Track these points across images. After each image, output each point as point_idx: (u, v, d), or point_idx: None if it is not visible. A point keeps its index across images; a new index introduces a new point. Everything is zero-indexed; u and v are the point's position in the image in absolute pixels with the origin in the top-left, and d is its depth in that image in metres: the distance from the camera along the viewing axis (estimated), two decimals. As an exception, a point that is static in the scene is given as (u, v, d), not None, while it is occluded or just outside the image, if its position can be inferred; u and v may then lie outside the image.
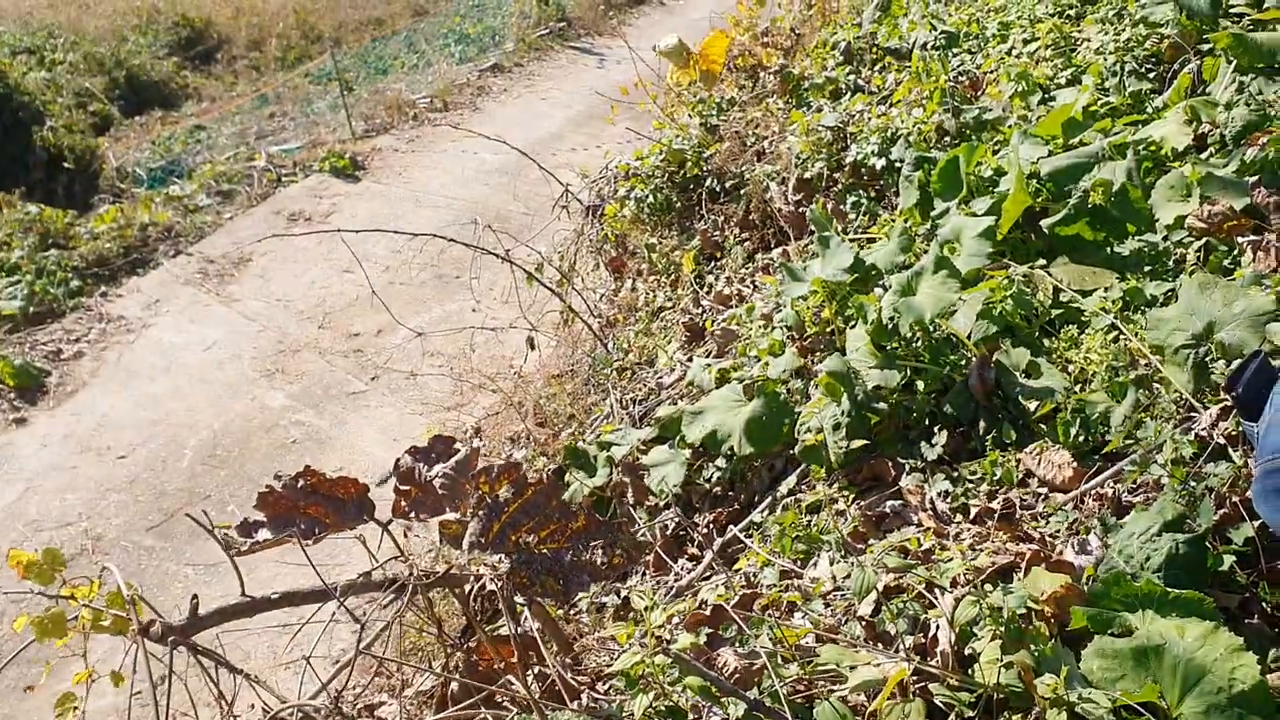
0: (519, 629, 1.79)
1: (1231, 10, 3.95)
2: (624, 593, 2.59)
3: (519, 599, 1.85)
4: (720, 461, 3.00)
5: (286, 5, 15.65)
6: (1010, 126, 3.53)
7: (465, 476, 1.86)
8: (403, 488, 1.94)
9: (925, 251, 3.14)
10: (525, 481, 1.84)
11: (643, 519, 2.97)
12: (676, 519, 2.92)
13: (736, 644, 1.79)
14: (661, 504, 3.03)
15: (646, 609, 1.71)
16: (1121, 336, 2.58)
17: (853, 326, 2.88)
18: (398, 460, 2.05)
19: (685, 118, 4.68)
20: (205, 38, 15.07)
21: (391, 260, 8.42)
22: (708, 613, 1.92)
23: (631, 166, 4.70)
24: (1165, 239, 2.89)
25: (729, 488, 3.00)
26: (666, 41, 4.99)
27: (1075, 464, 2.39)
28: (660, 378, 3.59)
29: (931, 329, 2.75)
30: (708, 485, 3.00)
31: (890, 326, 2.70)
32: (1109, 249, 2.96)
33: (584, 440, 3.36)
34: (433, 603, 2.00)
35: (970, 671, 1.70)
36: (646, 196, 4.49)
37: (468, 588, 1.90)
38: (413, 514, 1.89)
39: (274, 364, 7.43)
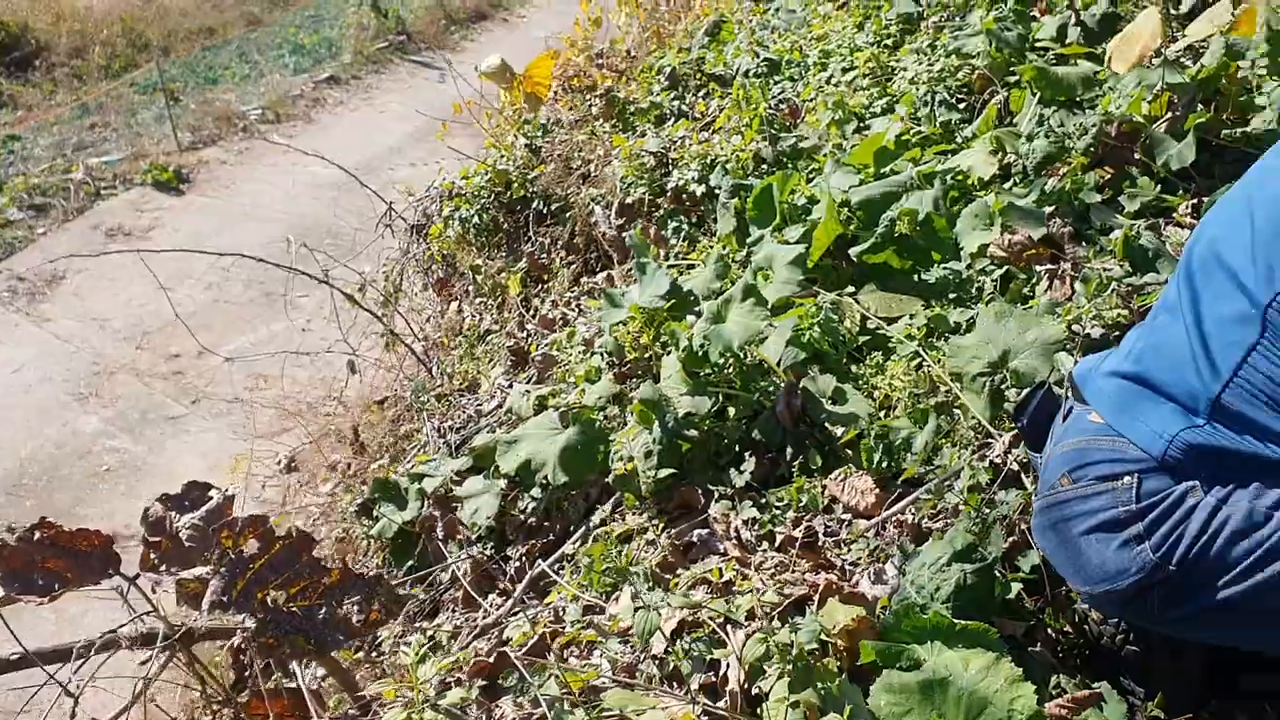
0: (291, 682, 1.69)
1: (1038, 44, 4.13)
2: (429, 631, 2.49)
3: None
4: (536, 491, 2.93)
5: (113, 12, 14.90)
6: (825, 155, 3.59)
7: (214, 528, 1.73)
8: (152, 539, 1.80)
9: (742, 277, 3.15)
10: (273, 535, 1.74)
11: (453, 553, 2.88)
12: (487, 553, 2.84)
13: (516, 693, 1.73)
14: (474, 537, 2.94)
15: (413, 663, 1.63)
16: (925, 363, 2.63)
17: (667, 354, 2.86)
18: (146, 509, 1.90)
19: (510, 138, 4.62)
20: (21, 44, 14.20)
21: (216, 277, 8.07)
22: (491, 660, 1.85)
23: (456, 186, 4.61)
24: (969, 267, 2.97)
25: (545, 518, 2.94)
26: (489, 62, 4.92)
27: (878, 490, 2.41)
28: (480, 404, 3.51)
29: (742, 356, 2.75)
30: (523, 516, 2.93)
31: (701, 354, 2.69)
32: (916, 276, 3.02)
33: (397, 471, 3.25)
34: (195, 658, 1.87)
35: (759, 712, 1.67)
36: (472, 217, 4.40)
37: (237, 640, 1.79)
38: (162, 568, 1.76)
39: (88, 387, 7.03)
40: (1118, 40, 3.43)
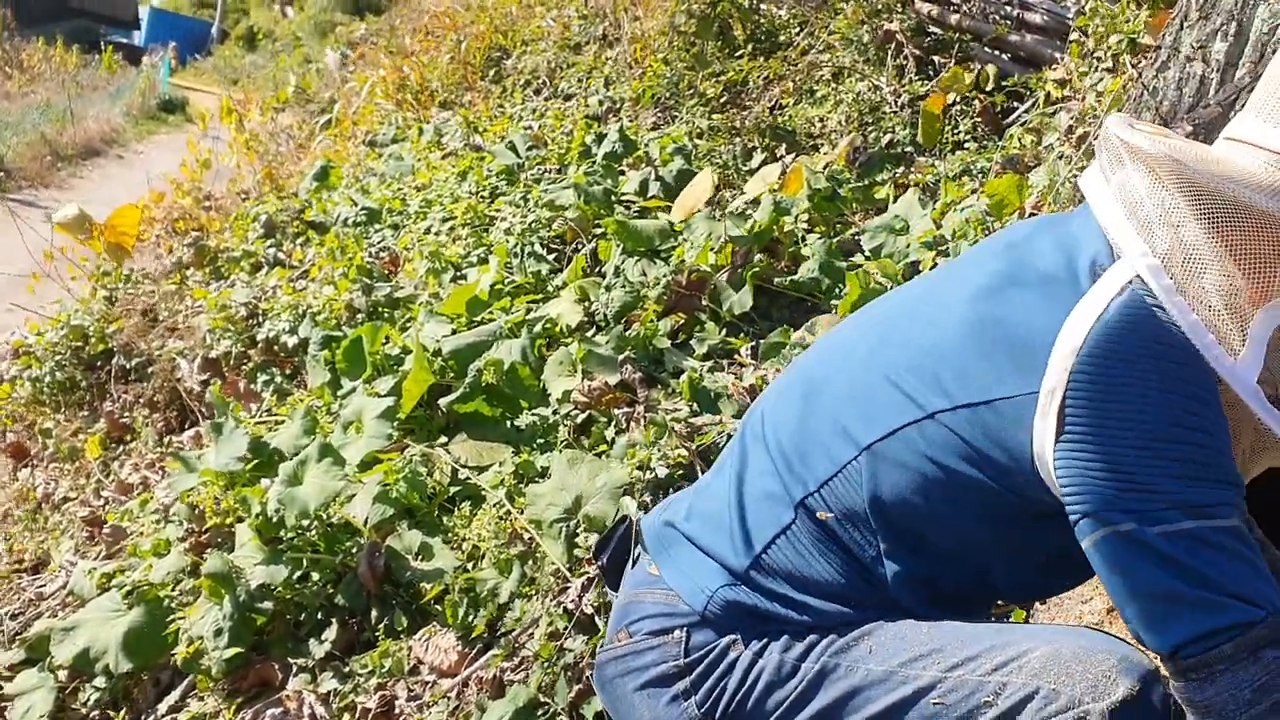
0: None
1: (623, 198, 4.41)
2: None
3: None
4: (100, 681, 2.65)
5: None
6: (420, 304, 3.61)
7: None
8: None
9: (332, 432, 3.07)
10: None
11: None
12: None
13: None
14: (26, 740, 2.60)
15: None
16: (510, 512, 2.65)
17: (241, 520, 2.71)
18: None
19: (88, 290, 4.31)
20: None
21: None
22: None
23: (26, 342, 4.22)
24: (555, 413, 3.06)
25: (111, 709, 2.66)
26: (64, 212, 4.61)
27: (460, 647, 2.38)
28: (43, 586, 3.16)
29: (325, 517, 2.66)
30: (84, 710, 2.63)
31: (277, 519, 2.57)
32: (507, 423, 3.07)
33: (-65, 672, 2.84)
34: None
35: None
36: (45, 375, 4.04)
37: None
38: None
39: None
40: (681, 195, 3.73)
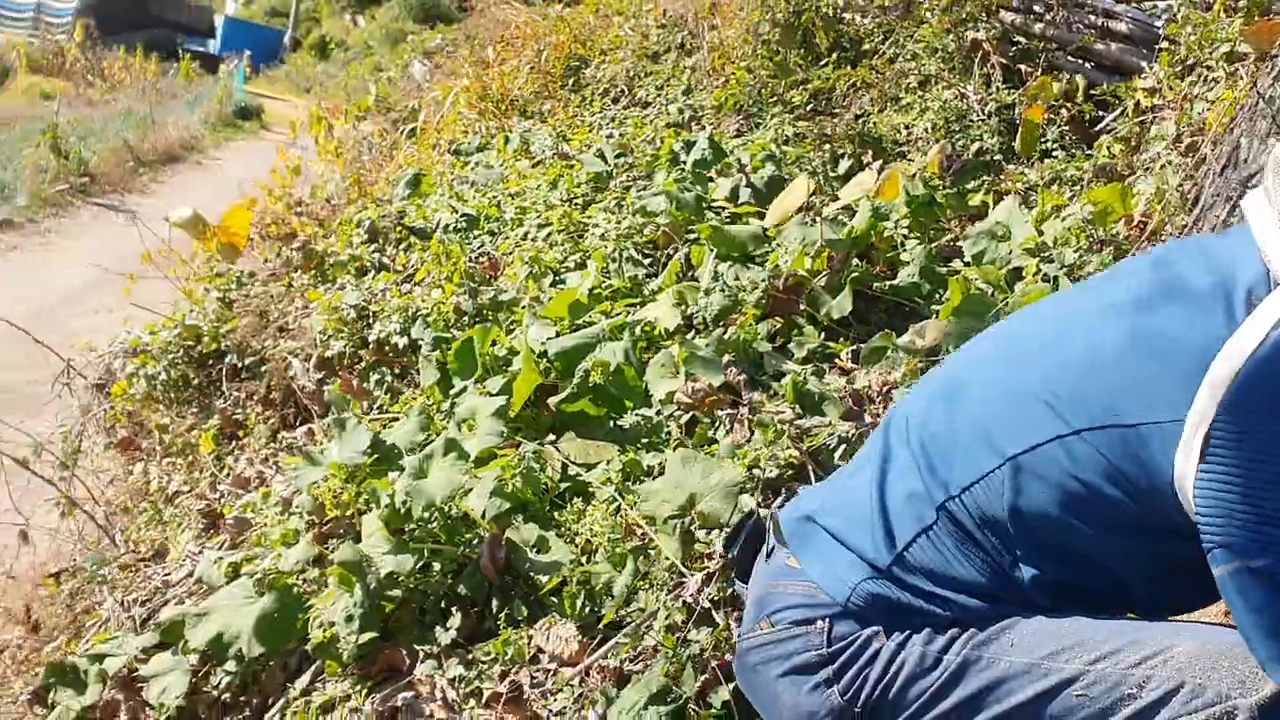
0: None
1: (714, 204, 4.49)
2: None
3: None
4: (231, 665, 2.77)
5: None
6: (523, 308, 3.72)
7: None
8: None
9: (446, 429, 3.18)
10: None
11: (137, 739, 2.67)
12: (176, 736, 2.65)
13: None
14: (163, 719, 2.74)
15: None
16: (621, 508, 2.74)
17: (369, 512, 2.83)
18: None
19: (201, 291, 4.49)
20: None
21: None
22: None
23: (142, 341, 4.41)
24: (659, 413, 3.14)
25: (241, 693, 2.78)
26: (180, 213, 4.80)
27: (580, 637, 2.46)
28: (169, 574, 3.30)
29: (446, 510, 2.76)
30: (216, 693, 2.76)
31: (404, 511, 2.68)
32: (612, 423, 3.16)
33: (75, 652, 2.98)
34: None
35: None
36: (159, 374, 4.21)
37: None
38: None
39: None
40: (776, 201, 3.80)
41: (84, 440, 4.57)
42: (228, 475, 3.79)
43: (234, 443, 4.00)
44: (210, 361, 4.26)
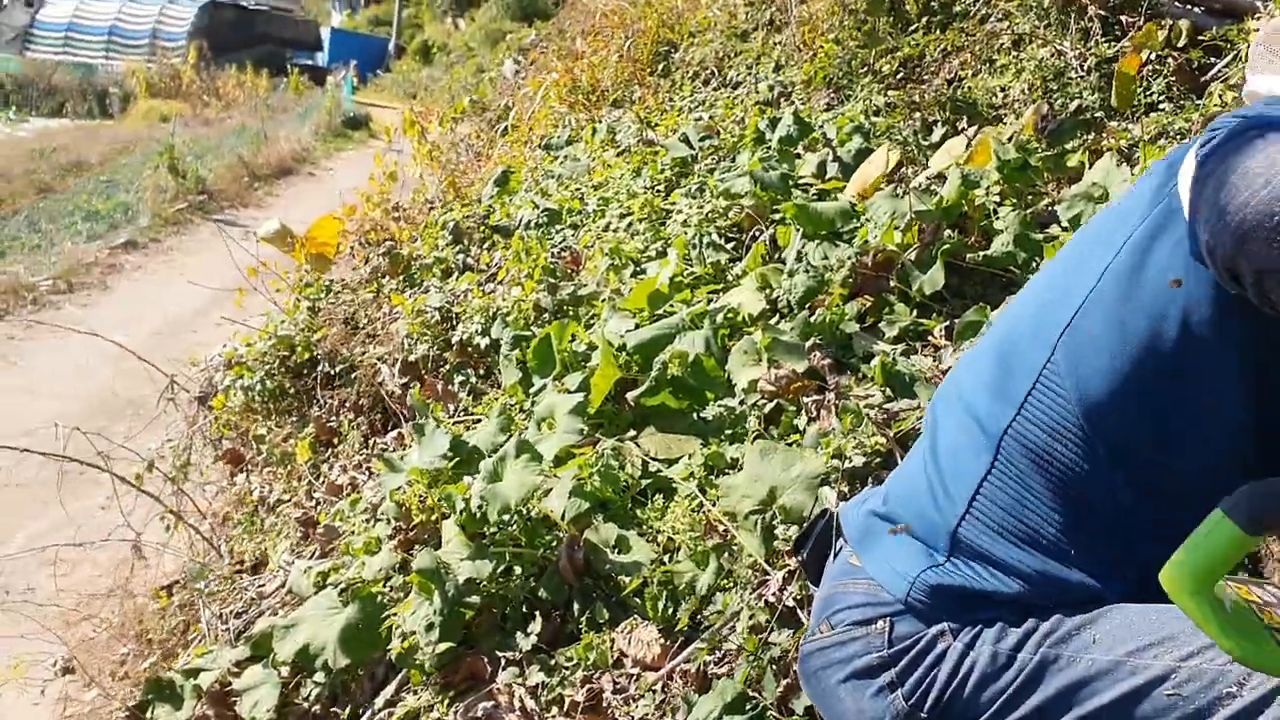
0: None
1: (800, 181, 4.34)
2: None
3: None
4: (320, 677, 2.78)
5: (-113, 190, 14.16)
6: (604, 301, 3.65)
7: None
8: None
9: (525, 428, 3.13)
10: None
11: (230, 752, 2.69)
12: (266, 749, 2.66)
13: None
14: (256, 731, 2.75)
15: None
16: (703, 504, 2.64)
17: (446, 517, 2.80)
18: None
19: (292, 301, 4.55)
20: None
21: (6, 460, 7.55)
22: None
23: (237, 353, 4.49)
24: (742, 403, 3.03)
25: (331, 705, 2.78)
26: (268, 227, 4.88)
27: (662, 640, 2.38)
28: (263, 585, 3.34)
29: (525, 513, 2.71)
30: (306, 705, 2.77)
31: (480, 515, 2.64)
32: (694, 415, 3.06)
33: (174, 666, 3.04)
34: None
35: None
36: (255, 384, 4.28)
37: None
38: None
39: None
40: (857, 173, 3.64)
41: (192, 454, 4.68)
42: (323, 483, 3.82)
43: (330, 450, 4.04)
44: (305, 371, 4.31)
